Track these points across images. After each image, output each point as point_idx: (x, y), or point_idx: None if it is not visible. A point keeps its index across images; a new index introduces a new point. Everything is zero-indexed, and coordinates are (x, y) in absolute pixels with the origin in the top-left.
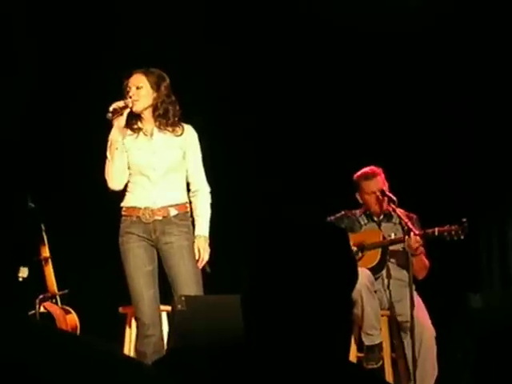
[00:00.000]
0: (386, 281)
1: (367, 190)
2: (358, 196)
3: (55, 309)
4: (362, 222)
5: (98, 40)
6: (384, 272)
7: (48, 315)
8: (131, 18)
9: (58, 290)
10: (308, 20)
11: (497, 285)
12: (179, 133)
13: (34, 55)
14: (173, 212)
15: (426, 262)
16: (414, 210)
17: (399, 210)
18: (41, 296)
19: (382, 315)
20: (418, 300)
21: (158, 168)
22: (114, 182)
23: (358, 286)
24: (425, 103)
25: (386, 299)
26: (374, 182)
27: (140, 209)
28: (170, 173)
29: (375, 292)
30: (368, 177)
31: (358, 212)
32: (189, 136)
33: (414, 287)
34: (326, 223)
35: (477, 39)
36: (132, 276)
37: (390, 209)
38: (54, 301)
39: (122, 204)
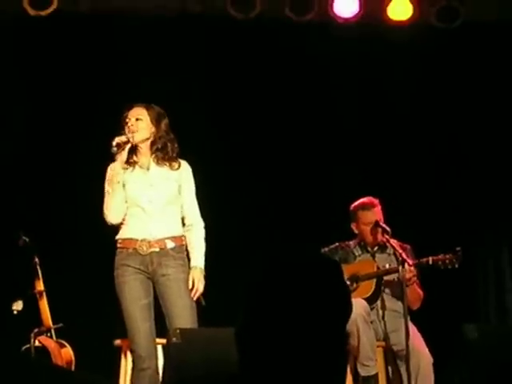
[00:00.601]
0: (380, 311)
1: (364, 220)
2: (353, 226)
3: (50, 342)
4: (356, 253)
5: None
6: (379, 303)
7: (43, 349)
8: (131, 58)
9: (53, 324)
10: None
11: (493, 314)
12: (176, 167)
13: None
14: (170, 244)
15: (420, 292)
16: (408, 239)
17: (393, 241)
18: (36, 330)
19: (378, 346)
20: (413, 329)
21: (154, 200)
22: (113, 216)
23: (353, 316)
24: (417, 134)
25: (381, 330)
26: (372, 212)
27: (137, 240)
28: (167, 205)
29: (371, 323)
30: (366, 207)
31: (352, 243)
32: (184, 170)
33: (408, 317)
34: (319, 256)
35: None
36: (128, 309)
37: (384, 240)
38: (48, 334)
39: (118, 236)
